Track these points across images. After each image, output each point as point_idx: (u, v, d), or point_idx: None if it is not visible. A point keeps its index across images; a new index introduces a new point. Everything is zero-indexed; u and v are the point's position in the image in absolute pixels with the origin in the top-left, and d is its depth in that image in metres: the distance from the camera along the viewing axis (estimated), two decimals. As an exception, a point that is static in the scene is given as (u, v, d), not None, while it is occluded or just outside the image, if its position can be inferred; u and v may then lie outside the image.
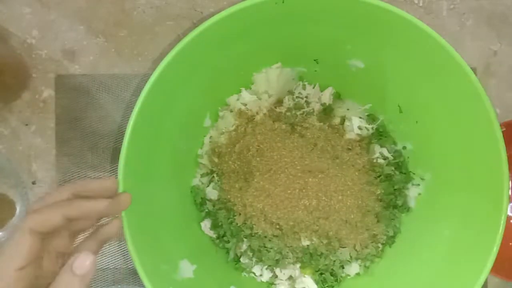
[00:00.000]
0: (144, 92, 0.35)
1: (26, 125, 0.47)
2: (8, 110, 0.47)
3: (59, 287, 0.27)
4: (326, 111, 0.45)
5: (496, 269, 0.40)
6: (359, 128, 0.44)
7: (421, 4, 0.48)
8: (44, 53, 0.47)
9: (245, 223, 0.43)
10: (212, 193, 0.44)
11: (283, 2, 0.35)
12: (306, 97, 0.45)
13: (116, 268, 0.46)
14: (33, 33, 0.47)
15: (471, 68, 0.50)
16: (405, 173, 0.45)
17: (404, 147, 0.45)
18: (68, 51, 0.47)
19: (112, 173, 0.46)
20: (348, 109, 0.45)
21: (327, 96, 0.45)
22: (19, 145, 0.47)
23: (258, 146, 0.43)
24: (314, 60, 0.43)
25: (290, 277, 0.44)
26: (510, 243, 0.46)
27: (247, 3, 0.35)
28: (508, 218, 0.47)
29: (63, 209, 0.29)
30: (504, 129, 0.45)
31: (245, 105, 0.44)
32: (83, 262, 0.27)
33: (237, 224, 0.43)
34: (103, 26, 0.47)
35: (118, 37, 0.47)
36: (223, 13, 0.35)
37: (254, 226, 0.42)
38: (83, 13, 0.47)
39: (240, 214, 0.43)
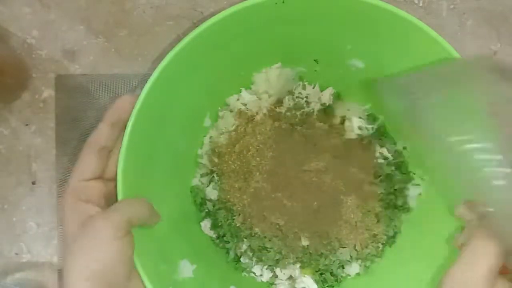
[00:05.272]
0: (144, 93, 0.34)
1: (26, 125, 0.47)
2: (8, 110, 0.47)
3: None
4: (326, 111, 0.45)
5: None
6: (359, 128, 0.44)
7: (421, 4, 0.48)
8: (44, 53, 0.47)
9: (244, 223, 0.43)
10: (212, 193, 0.44)
11: (283, 2, 0.35)
12: (306, 97, 0.45)
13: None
14: (33, 33, 0.47)
15: (471, 68, 0.49)
16: (405, 173, 0.44)
17: (405, 147, 0.45)
18: (68, 51, 0.47)
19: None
20: (348, 109, 0.45)
21: (327, 96, 0.45)
22: (19, 145, 0.47)
23: (258, 146, 0.43)
24: (314, 60, 0.43)
25: (290, 277, 0.44)
26: (510, 243, 0.46)
27: (247, 4, 0.35)
28: (508, 218, 0.46)
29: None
30: (504, 129, 0.45)
31: (245, 105, 0.44)
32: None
33: (236, 224, 0.43)
34: (103, 26, 0.47)
35: (118, 37, 0.47)
36: (223, 14, 0.35)
37: (253, 226, 0.42)
38: (83, 13, 0.47)
39: (239, 214, 0.43)
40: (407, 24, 0.35)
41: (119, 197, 0.33)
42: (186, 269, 0.39)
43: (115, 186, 0.33)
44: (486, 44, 0.48)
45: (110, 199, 0.34)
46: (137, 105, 0.34)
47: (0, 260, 0.46)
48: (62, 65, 0.47)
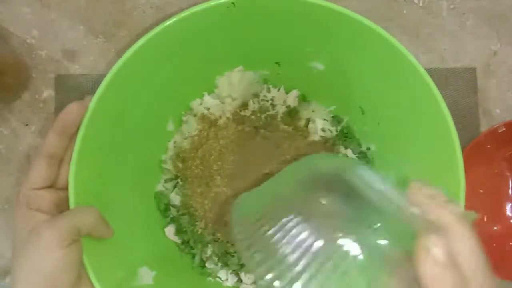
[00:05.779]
0: (97, 95, 0.33)
1: (26, 125, 0.47)
2: (8, 110, 0.47)
3: None
4: (292, 114, 0.45)
5: (496, 269, 0.40)
6: (323, 130, 0.44)
7: (421, 4, 0.48)
8: (44, 53, 0.47)
9: (206, 229, 0.42)
10: (175, 198, 0.44)
11: (234, 5, 0.34)
12: (272, 99, 0.45)
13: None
14: (33, 33, 0.47)
15: (471, 68, 0.50)
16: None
17: (368, 148, 0.44)
18: (68, 51, 0.47)
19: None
20: (313, 111, 0.45)
21: (292, 99, 0.45)
22: (19, 145, 0.47)
23: (220, 150, 0.42)
24: (276, 63, 0.43)
25: (255, 282, 0.43)
26: (510, 243, 0.46)
27: (202, 6, 0.34)
28: (508, 218, 0.47)
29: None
30: (504, 129, 0.45)
31: (208, 109, 0.44)
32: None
33: (198, 230, 0.42)
34: (103, 26, 0.47)
35: (118, 37, 0.47)
36: (178, 16, 0.34)
37: (215, 231, 0.42)
38: (83, 13, 0.47)
39: (201, 219, 0.42)
40: (361, 26, 0.34)
41: (71, 205, 0.33)
42: (146, 275, 0.39)
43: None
44: (486, 44, 0.48)
45: (64, 208, 0.33)
46: (90, 109, 0.33)
47: (0, 261, 0.46)
48: (62, 65, 0.47)
